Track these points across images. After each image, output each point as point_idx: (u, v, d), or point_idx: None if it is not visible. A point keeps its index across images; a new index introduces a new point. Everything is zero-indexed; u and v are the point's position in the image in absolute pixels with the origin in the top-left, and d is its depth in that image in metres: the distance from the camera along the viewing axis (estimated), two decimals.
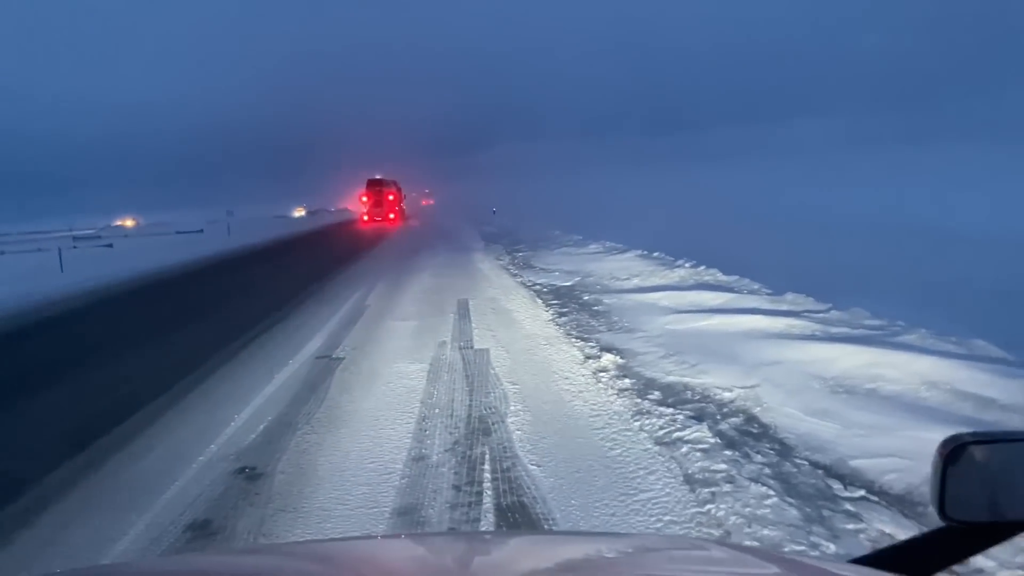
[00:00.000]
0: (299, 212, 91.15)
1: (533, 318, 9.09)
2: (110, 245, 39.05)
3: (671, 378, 5.97)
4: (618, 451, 4.48)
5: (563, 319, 8.76)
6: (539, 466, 4.33)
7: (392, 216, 43.53)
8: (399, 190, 47.83)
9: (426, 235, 28.82)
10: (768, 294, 8.91)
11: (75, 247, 38.10)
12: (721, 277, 10.28)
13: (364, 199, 44.74)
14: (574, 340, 7.62)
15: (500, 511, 3.78)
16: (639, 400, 5.45)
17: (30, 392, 6.88)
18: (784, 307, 8.02)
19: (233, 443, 5.12)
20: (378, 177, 45.52)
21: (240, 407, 5.98)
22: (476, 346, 7.68)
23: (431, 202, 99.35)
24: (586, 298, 10.03)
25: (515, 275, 13.40)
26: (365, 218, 44.07)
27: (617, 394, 5.64)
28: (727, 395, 5.43)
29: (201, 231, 51.78)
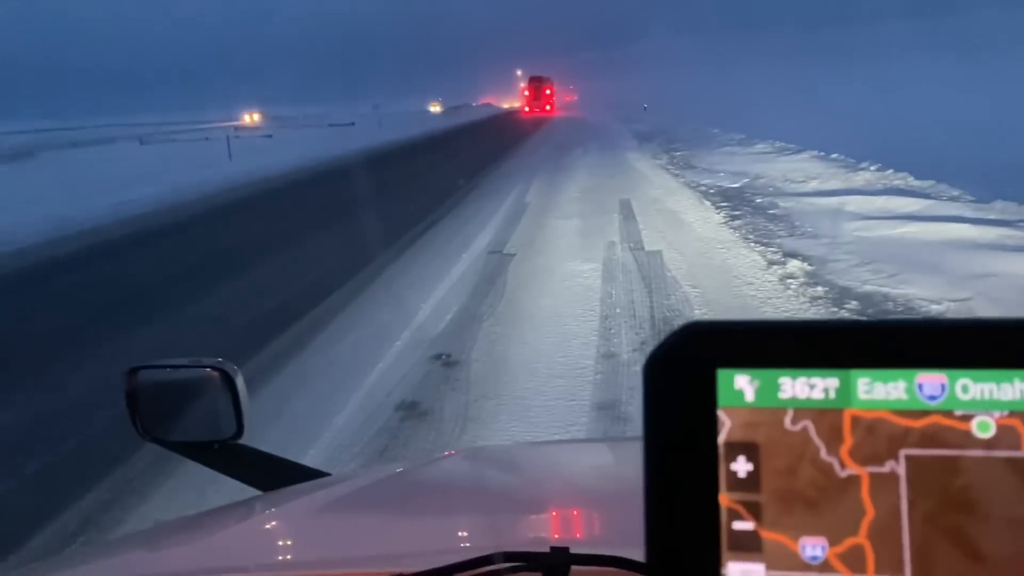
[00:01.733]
0: (434, 107, 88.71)
1: (703, 220, 8.80)
2: (269, 136, 40.84)
3: (868, 287, 5.63)
4: None
5: (736, 222, 8.42)
6: None
7: (548, 108, 52.05)
8: (553, 86, 55.86)
9: (575, 132, 28.36)
10: (972, 201, 8.19)
11: (238, 137, 40.19)
12: (913, 182, 9.53)
13: (526, 93, 54.16)
14: (752, 244, 7.32)
15: None
16: (835, 310, 5.18)
17: None
18: (993, 216, 7.35)
19: (425, 331, 5.29)
20: (538, 75, 54.57)
21: (423, 297, 6.15)
22: (647, 247, 7.52)
23: (574, 98, 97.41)
24: (759, 201, 9.59)
25: (676, 175, 12.99)
26: (526, 109, 52.90)
27: (810, 302, 5.39)
28: (935, 307, 5.07)
29: (353, 124, 53.20)
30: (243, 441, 1.18)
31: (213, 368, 1.17)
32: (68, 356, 5.12)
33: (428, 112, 74.54)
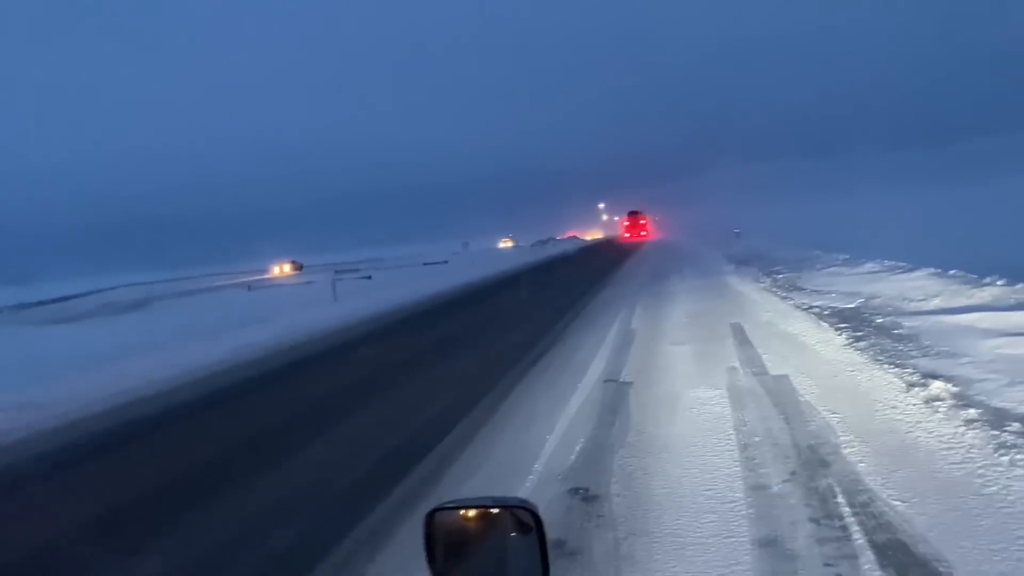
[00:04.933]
0: (505, 244, 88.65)
1: (824, 343, 8.49)
2: (369, 277, 42.43)
3: None
4: (1006, 494, 3.93)
5: (861, 343, 8.09)
6: (904, 502, 3.91)
7: (644, 234, 64.87)
8: (647, 216, 71.64)
9: (667, 259, 28.42)
10: None
11: (340, 279, 41.91)
12: None
13: (625, 223, 70.22)
14: (884, 366, 6.97)
15: (879, 550, 3.43)
16: (996, 432, 4.80)
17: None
18: None
19: (556, 463, 5.16)
20: (634, 210, 71.79)
21: (548, 428, 6.05)
22: (771, 372, 7.27)
23: (661, 226, 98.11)
24: (880, 321, 9.22)
25: (784, 297, 12.71)
26: (626, 235, 65.69)
27: (965, 425, 5.02)
28: None
29: (446, 262, 54.93)
30: None
31: (515, 507, 1.12)
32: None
33: (523, 246, 75.86)
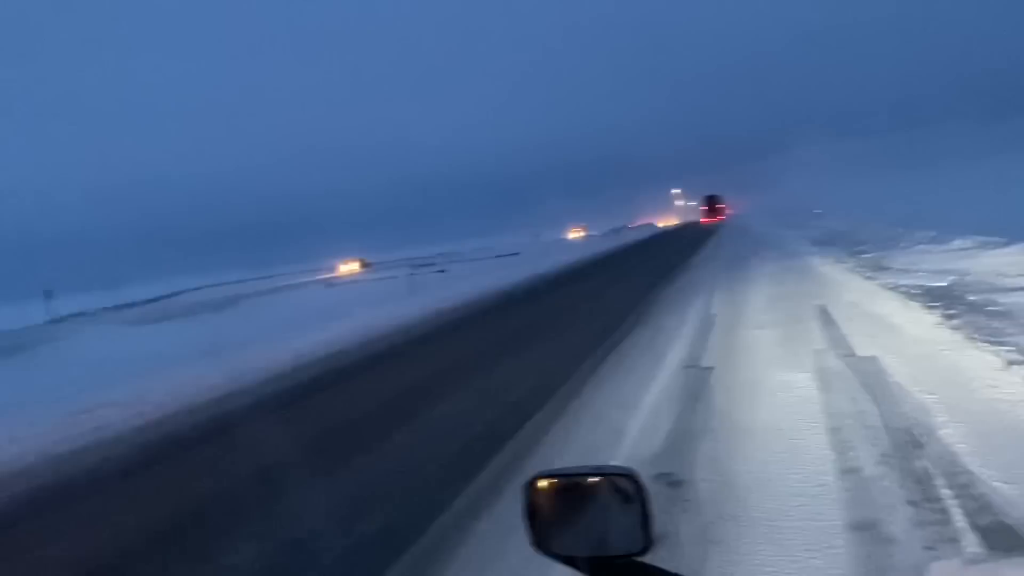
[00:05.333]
0: (575, 233, 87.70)
1: (914, 322, 8.18)
2: (443, 271, 42.92)
3: None
4: None
5: (954, 321, 7.76)
6: (1008, 483, 3.75)
7: (721, 218, 67.46)
8: (723, 200, 75.42)
9: (744, 242, 27.81)
10: None
11: (413, 274, 42.55)
12: None
13: (703, 207, 73.88)
14: (980, 344, 6.67)
15: (982, 533, 3.30)
16: None
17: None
18: None
19: (638, 450, 5.14)
20: (711, 195, 75.13)
21: (629, 414, 6.02)
22: (859, 353, 7.05)
23: (736, 210, 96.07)
24: (973, 299, 8.83)
25: (869, 277, 12.29)
26: (703, 219, 68.54)
27: None
28: None
29: (517, 254, 55.10)
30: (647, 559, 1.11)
31: (617, 475, 1.13)
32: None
33: (595, 235, 75.20)
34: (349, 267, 69.60)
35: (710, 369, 7.31)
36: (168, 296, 63.75)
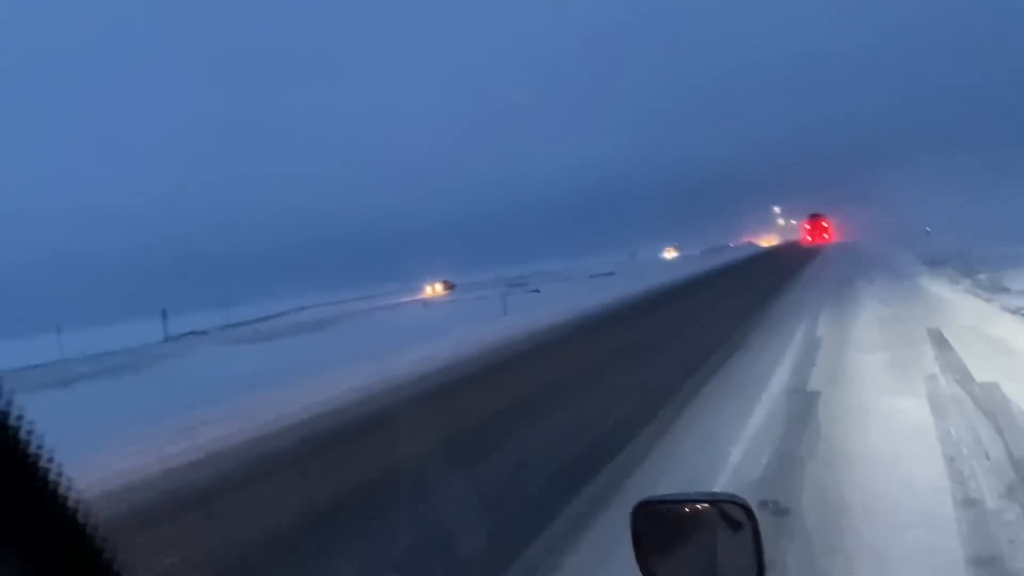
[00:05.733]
0: (670, 253, 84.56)
1: None
2: (537, 291, 43.03)
3: None
4: None
5: None
6: None
7: (826, 237, 63.05)
8: (828, 219, 69.59)
9: (851, 262, 26.82)
10: None
11: (508, 293, 42.80)
12: None
13: (806, 226, 68.42)
14: None
15: None
16: None
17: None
18: None
19: (741, 475, 5.04)
20: (815, 213, 70.13)
21: (731, 439, 5.91)
22: (978, 379, 6.71)
23: (841, 228, 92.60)
24: None
25: (988, 300, 11.68)
26: (808, 239, 64.07)
27: None
28: None
29: (612, 273, 54.67)
30: None
31: (728, 502, 1.15)
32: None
33: (693, 255, 73.37)
34: (434, 289, 69.13)
35: (817, 393, 7.10)
36: (276, 316, 66.05)
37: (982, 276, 14.91)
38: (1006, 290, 12.32)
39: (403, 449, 6.95)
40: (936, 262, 20.27)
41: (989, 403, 5.86)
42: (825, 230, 66.53)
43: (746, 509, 1.11)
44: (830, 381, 7.53)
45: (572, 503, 4.91)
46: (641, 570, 1.17)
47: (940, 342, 8.69)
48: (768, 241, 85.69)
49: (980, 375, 6.82)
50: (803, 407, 6.62)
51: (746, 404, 6.99)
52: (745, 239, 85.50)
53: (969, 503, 4.02)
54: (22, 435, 0.59)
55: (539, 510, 4.87)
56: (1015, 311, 10.07)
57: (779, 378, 8.00)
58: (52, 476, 0.61)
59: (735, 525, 1.12)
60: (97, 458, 7.38)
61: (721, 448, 5.68)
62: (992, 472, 4.41)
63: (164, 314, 55.90)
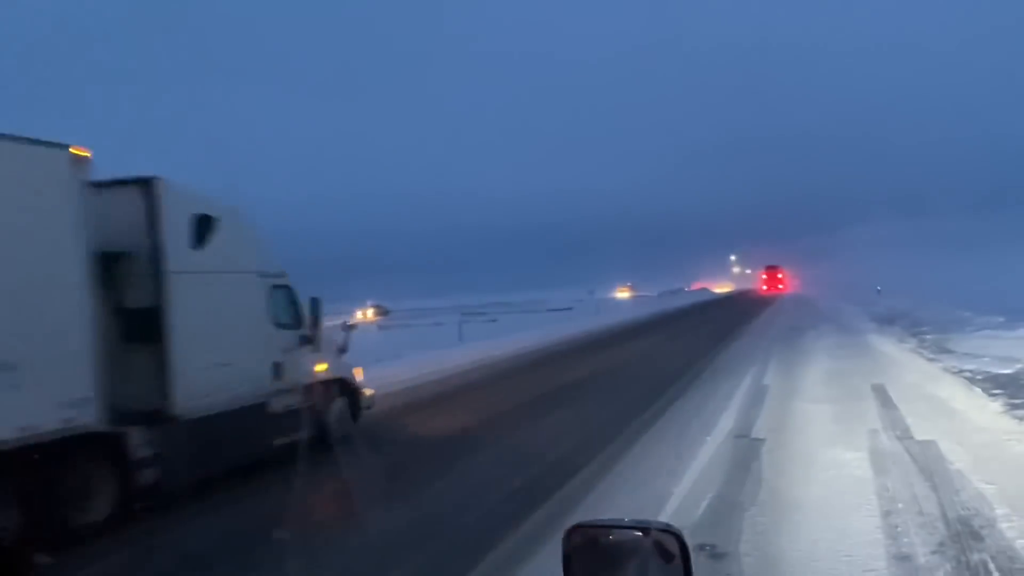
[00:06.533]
0: (623, 293, 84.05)
1: (978, 408, 7.92)
2: (494, 320, 42.93)
3: None
4: None
5: (1021, 411, 7.48)
6: None
7: (780, 287, 68.18)
8: (784, 271, 75.05)
9: (803, 314, 27.31)
10: None
11: (466, 321, 42.63)
12: None
13: (763, 276, 74.27)
14: None
15: None
16: None
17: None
18: None
19: (681, 517, 5.02)
20: (772, 264, 76.46)
21: (673, 481, 5.91)
22: (917, 436, 6.82)
23: (795, 281, 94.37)
24: None
25: (931, 359, 11.96)
26: (764, 288, 69.46)
27: None
28: None
29: (571, 308, 54.83)
30: None
31: (662, 531, 1.12)
32: None
33: (649, 295, 73.41)
34: (365, 314, 65.50)
35: (760, 440, 7.15)
36: None
37: (928, 337, 15.28)
38: (950, 352, 12.63)
39: None
40: (885, 320, 20.74)
41: (927, 461, 5.95)
42: (780, 281, 71.62)
43: (679, 540, 1.09)
44: (773, 429, 7.58)
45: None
46: None
47: (883, 398, 8.83)
48: (722, 288, 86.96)
49: (920, 433, 6.93)
50: (746, 454, 6.65)
51: (689, 446, 7.01)
52: (699, 284, 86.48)
53: (902, 558, 4.05)
54: None
55: None
56: (957, 372, 10.31)
57: (725, 422, 8.04)
58: None
59: (668, 556, 1.09)
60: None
61: (662, 490, 5.67)
62: (925, 528, 4.46)
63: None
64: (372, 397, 8.72)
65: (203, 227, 6.35)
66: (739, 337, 19.08)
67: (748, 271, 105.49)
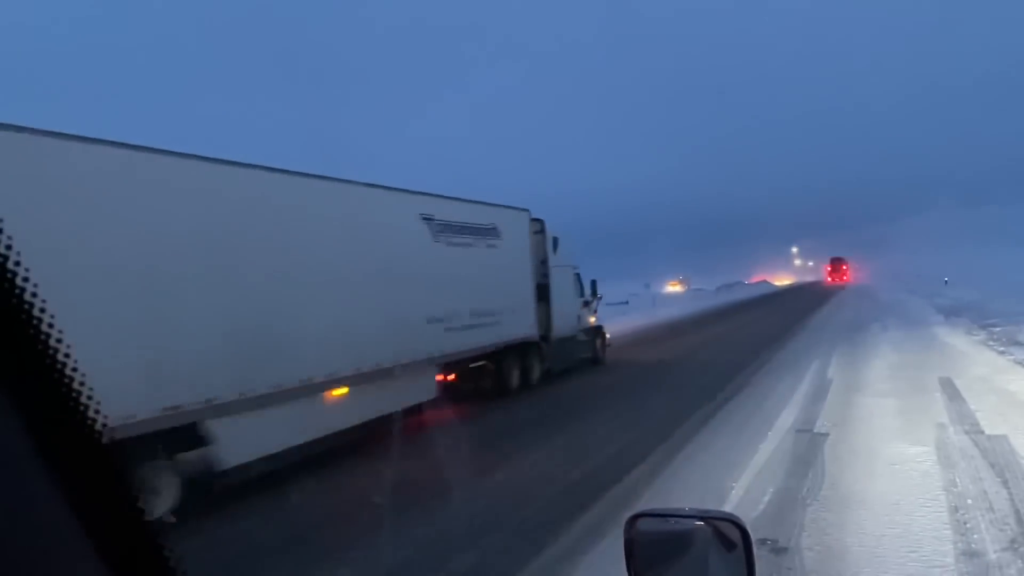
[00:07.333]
0: (673, 287, 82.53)
1: None
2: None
3: None
4: None
5: None
6: None
7: (845, 279, 70.49)
8: (849, 263, 77.54)
9: (867, 307, 26.66)
10: None
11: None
12: None
13: (828, 267, 77.62)
14: None
15: None
16: None
17: None
18: None
19: (741, 513, 4.99)
20: (837, 256, 79.11)
21: (733, 475, 5.88)
22: (987, 431, 6.64)
23: (860, 273, 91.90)
24: None
25: (1002, 352, 11.57)
26: (828, 280, 72.33)
27: None
28: None
29: (626, 303, 54.44)
30: None
31: (723, 520, 1.15)
32: None
33: (698, 290, 72.34)
34: None
35: (823, 435, 7.04)
36: None
37: (997, 329, 14.78)
38: (1020, 344, 12.21)
39: None
40: (952, 312, 20.11)
41: (997, 455, 5.80)
42: (845, 272, 74.15)
43: (741, 529, 1.11)
44: (837, 424, 7.46)
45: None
46: None
47: (951, 392, 8.61)
48: (782, 280, 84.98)
49: (990, 427, 6.75)
50: (809, 448, 6.56)
51: (750, 442, 6.94)
52: (758, 277, 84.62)
53: (971, 554, 3.97)
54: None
55: None
56: None
57: (786, 417, 7.94)
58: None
59: (729, 544, 1.11)
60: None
61: (722, 484, 5.64)
62: (995, 524, 4.35)
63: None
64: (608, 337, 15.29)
65: (556, 243, 12.84)
66: (800, 331, 18.75)
67: (810, 263, 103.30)
